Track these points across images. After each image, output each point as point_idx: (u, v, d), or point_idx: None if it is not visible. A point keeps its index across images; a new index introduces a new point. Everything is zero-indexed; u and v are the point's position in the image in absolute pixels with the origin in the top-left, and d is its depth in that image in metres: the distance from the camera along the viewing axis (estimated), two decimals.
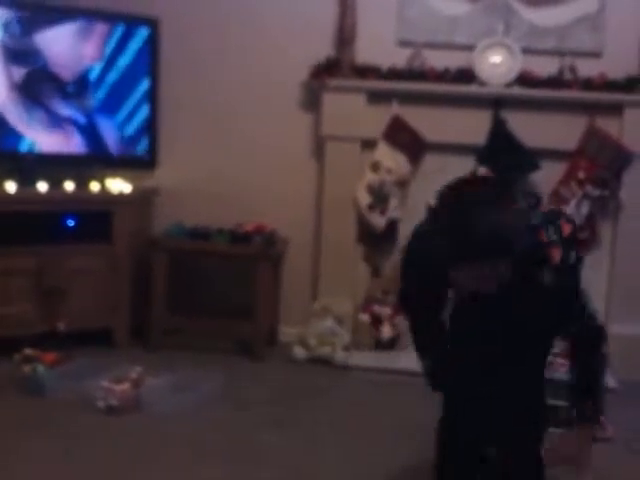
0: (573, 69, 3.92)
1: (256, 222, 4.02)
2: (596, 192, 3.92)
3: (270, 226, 4.03)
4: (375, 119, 3.98)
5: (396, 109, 3.97)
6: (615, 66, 3.91)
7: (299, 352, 3.86)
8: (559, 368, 3.27)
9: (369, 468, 2.73)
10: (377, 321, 3.93)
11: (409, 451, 2.84)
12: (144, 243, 3.98)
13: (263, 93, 4.18)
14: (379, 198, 3.99)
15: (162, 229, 4.09)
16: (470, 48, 3.94)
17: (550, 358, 3.29)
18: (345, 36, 3.97)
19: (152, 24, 4.06)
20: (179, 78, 4.19)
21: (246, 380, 3.58)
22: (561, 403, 3.06)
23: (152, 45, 4.07)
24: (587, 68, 3.92)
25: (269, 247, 3.89)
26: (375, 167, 4.00)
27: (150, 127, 4.14)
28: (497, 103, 3.94)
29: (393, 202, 4.00)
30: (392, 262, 4.09)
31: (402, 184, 4.02)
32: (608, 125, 3.90)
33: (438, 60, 3.98)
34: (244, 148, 4.22)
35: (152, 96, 4.12)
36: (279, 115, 4.18)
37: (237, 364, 3.77)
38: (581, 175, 3.94)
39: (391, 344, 3.93)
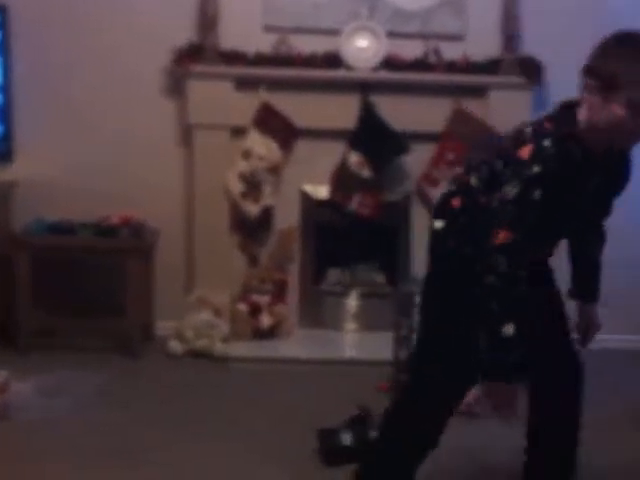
0: (438, 52, 3.99)
1: (123, 214, 3.85)
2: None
3: (138, 218, 3.87)
4: (244, 106, 3.91)
5: (265, 95, 3.91)
6: (478, 49, 3.99)
7: (176, 346, 3.75)
8: None
9: (253, 459, 2.67)
10: (256, 310, 3.87)
11: (293, 439, 2.80)
12: (3, 240, 3.75)
13: (123, 80, 3.99)
14: (252, 186, 3.92)
15: (22, 225, 3.85)
16: (336, 33, 3.93)
17: None
18: (208, 20, 3.86)
19: (1, 10, 3.81)
20: (33, 66, 3.95)
21: (122, 378, 3.43)
22: None
23: (2, 31, 3.83)
24: (451, 51, 3.99)
25: (137, 239, 3.75)
26: (246, 155, 3.92)
27: (4, 117, 3.89)
28: (365, 87, 3.95)
29: (266, 189, 3.94)
30: (268, 250, 4.05)
31: (274, 171, 3.97)
32: (474, 107, 3.99)
33: (305, 45, 3.95)
34: (107, 137, 4.02)
35: (5, 85, 3.87)
36: (142, 103, 4.01)
37: (113, 363, 3.62)
38: (450, 157, 4.01)
39: (271, 333, 3.88)
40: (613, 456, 2.74)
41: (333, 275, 4.21)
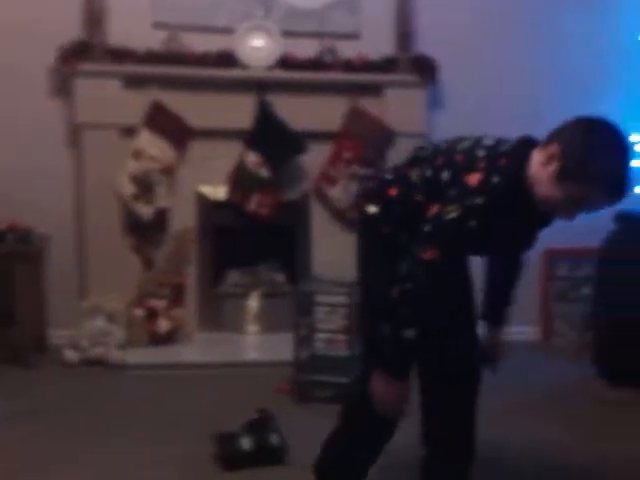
0: (333, 51, 3.98)
1: (8, 220, 3.68)
2: (362, 171, 4.01)
3: (25, 223, 3.70)
4: (134, 105, 3.81)
5: (156, 94, 3.81)
6: (373, 47, 4.02)
7: (71, 355, 3.60)
8: (339, 345, 3.32)
9: (153, 467, 2.56)
10: (152, 315, 3.76)
11: (192, 444, 2.70)
12: None
13: (6, 78, 3.81)
14: (144, 187, 3.82)
15: None
16: (230, 31, 3.88)
17: (330, 336, 3.40)
18: (94, 16, 3.74)
19: None
20: None
21: (13, 390, 3.27)
22: (344, 379, 3.12)
23: None
24: (347, 50, 3.99)
25: (25, 245, 3.60)
26: (137, 155, 3.82)
27: None
28: (261, 87, 3.91)
29: (160, 190, 3.84)
30: (164, 253, 3.95)
31: (168, 171, 3.87)
32: (370, 105, 4.01)
33: (197, 44, 3.88)
34: None
35: None
36: (27, 102, 3.86)
37: (6, 375, 3.44)
38: (347, 155, 4.02)
39: (169, 338, 3.78)
40: (515, 439, 2.78)
41: (233, 277, 4.14)
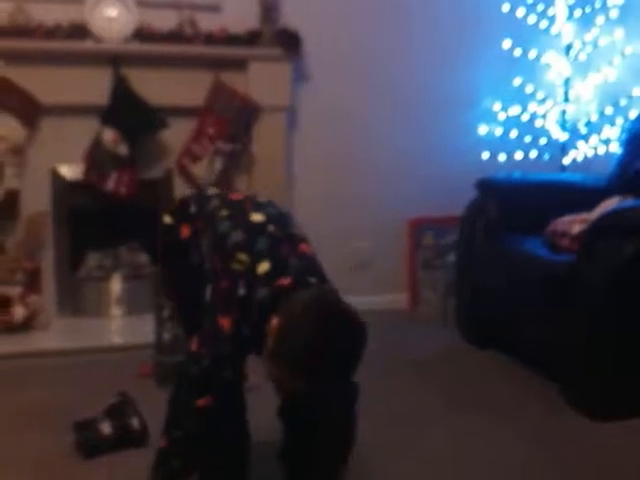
0: (193, 23, 3.86)
1: None
2: (227, 147, 3.92)
3: None
4: None
5: (1, 69, 3.59)
6: (236, 20, 3.90)
7: None
8: None
9: (10, 464, 2.44)
10: (6, 303, 3.57)
11: (49, 435, 2.59)
12: None
13: None
14: None
15: None
16: (81, 2, 3.69)
17: None
18: None
19: None
20: None
21: None
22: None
23: None
24: (208, 23, 3.87)
25: None
26: None
27: None
28: (116, 60, 3.75)
29: (9, 171, 3.63)
30: (16, 238, 3.73)
31: (17, 151, 3.66)
32: (234, 80, 3.91)
33: (46, 15, 3.66)
34: None
35: None
36: None
37: None
38: (211, 131, 3.91)
39: (25, 326, 3.60)
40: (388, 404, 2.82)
41: (93, 259, 3.98)
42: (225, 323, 1.79)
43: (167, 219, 2.16)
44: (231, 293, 1.82)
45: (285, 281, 1.80)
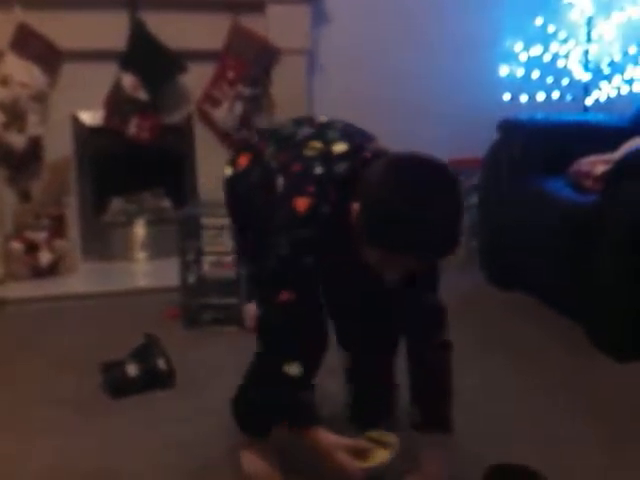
0: None
1: None
2: (247, 91, 3.90)
3: None
4: None
5: (20, 15, 3.58)
6: None
7: None
8: (227, 267, 3.29)
9: (37, 401, 2.50)
10: (32, 248, 3.61)
11: (78, 376, 2.65)
12: None
13: None
14: (14, 115, 3.60)
15: None
16: None
17: (217, 258, 3.35)
18: None
19: None
20: None
21: None
22: (233, 301, 3.10)
23: None
24: None
25: None
26: (5, 81, 3.58)
27: None
28: (133, 4, 3.72)
29: (32, 118, 3.64)
30: (41, 184, 3.76)
31: (40, 98, 3.67)
32: (253, 23, 3.87)
33: None
34: None
35: None
36: None
37: None
38: (230, 75, 3.89)
39: (52, 270, 3.65)
40: None
41: (117, 205, 4.01)
42: (301, 203, 1.61)
43: (227, 170, 1.94)
44: (306, 173, 1.67)
45: (365, 154, 1.66)
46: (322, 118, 1.90)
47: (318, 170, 1.65)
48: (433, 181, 1.50)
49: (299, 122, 1.87)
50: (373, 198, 1.52)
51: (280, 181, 1.72)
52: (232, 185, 1.91)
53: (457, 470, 1.88)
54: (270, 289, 1.64)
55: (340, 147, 1.69)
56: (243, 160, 1.87)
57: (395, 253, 1.52)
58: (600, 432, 2.23)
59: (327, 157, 1.67)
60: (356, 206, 1.55)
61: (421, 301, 1.75)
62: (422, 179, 1.50)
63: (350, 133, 1.77)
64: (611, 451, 2.12)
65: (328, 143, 1.71)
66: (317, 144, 1.71)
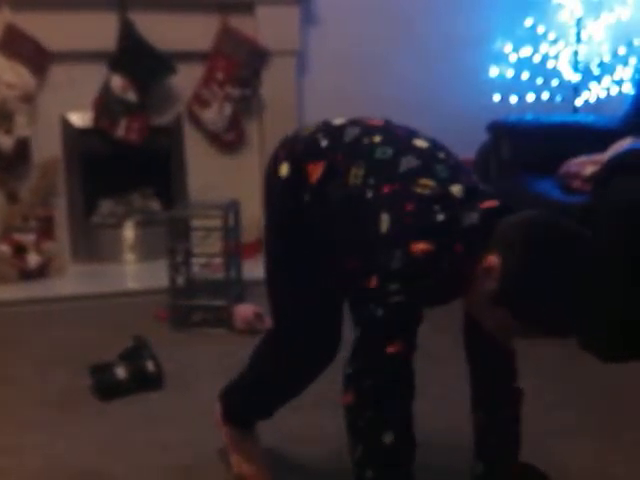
0: None
1: None
2: (237, 92, 3.90)
3: None
4: None
5: (8, 16, 3.57)
6: None
7: None
8: (216, 268, 3.28)
9: (25, 403, 2.49)
10: (21, 250, 3.59)
11: (67, 378, 2.65)
12: None
13: None
14: (2, 116, 3.58)
15: None
16: None
17: (207, 260, 3.35)
18: None
19: None
20: None
21: None
22: (222, 302, 3.09)
23: None
24: None
25: None
26: None
27: None
28: (122, 5, 3.71)
29: (20, 119, 3.62)
30: (29, 185, 3.75)
31: (27, 99, 3.65)
32: (242, 24, 3.87)
33: None
34: None
35: None
36: None
37: None
38: (220, 76, 3.88)
39: (40, 272, 3.63)
40: None
41: (106, 206, 3.99)
42: (420, 248, 1.41)
43: (283, 170, 1.67)
44: (425, 217, 1.45)
45: (491, 203, 1.46)
46: (419, 142, 1.63)
47: (440, 217, 1.44)
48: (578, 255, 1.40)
49: (368, 131, 1.64)
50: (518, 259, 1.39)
51: (385, 217, 1.47)
52: (296, 192, 1.66)
53: (454, 469, 1.88)
54: (377, 339, 1.46)
55: (457, 189, 1.49)
56: (314, 170, 1.62)
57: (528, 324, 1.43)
58: (590, 426, 2.25)
59: (446, 201, 1.47)
60: (493, 261, 1.40)
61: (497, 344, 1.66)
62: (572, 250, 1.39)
63: (454, 166, 1.58)
64: (598, 444, 2.15)
65: (442, 183, 1.50)
66: (429, 182, 1.50)
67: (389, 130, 1.67)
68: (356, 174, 1.56)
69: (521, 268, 1.37)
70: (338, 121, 1.70)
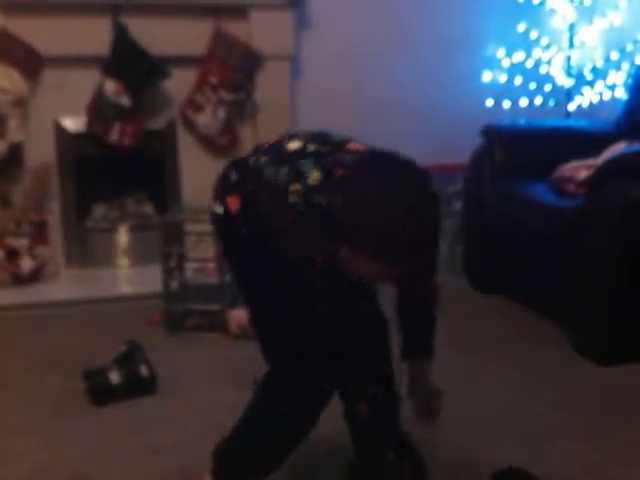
0: None
1: None
2: (230, 96, 3.90)
3: None
4: None
5: (1, 20, 3.55)
6: None
7: None
8: (209, 273, 3.28)
9: (18, 407, 2.49)
10: (13, 255, 3.58)
11: (60, 382, 2.64)
12: None
13: None
14: None
15: None
16: None
17: (200, 264, 3.34)
18: None
19: None
20: None
21: None
22: (216, 307, 3.09)
23: None
24: None
25: None
26: None
27: None
28: (115, 9, 3.70)
29: (12, 124, 3.61)
30: (22, 189, 3.73)
31: (20, 104, 3.63)
32: (236, 28, 3.87)
33: None
34: None
35: None
36: None
37: None
38: (213, 80, 3.88)
39: (34, 277, 3.61)
40: None
41: (99, 210, 3.99)
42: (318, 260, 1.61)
43: (218, 208, 1.75)
44: (305, 227, 1.59)
45: (338, 172, 1.55)
46: (292, 145, 1.72)
47: (301, 208, 1.58)
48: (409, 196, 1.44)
49: (272, 156, 1.72)
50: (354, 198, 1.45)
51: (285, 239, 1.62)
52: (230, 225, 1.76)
53: (450, 468, 1.88)
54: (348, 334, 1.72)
55: (315, 177, 1.60)
56: (233, 202, 1.70)
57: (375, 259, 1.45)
58: (587, 427, 2.27)
59: (308, 195, 1.58)
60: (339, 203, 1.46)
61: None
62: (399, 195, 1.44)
63: (322, 154, 1.66)
64: (595, 445, 2.16)
65: (304, 179, 1.61)
66: (297, 186, 1.60)
67: (274, 145, 1.75)
68: (262, 199, 1.67)
69: (346, 205, 1.43)
70: (247, 154, 1.81)
